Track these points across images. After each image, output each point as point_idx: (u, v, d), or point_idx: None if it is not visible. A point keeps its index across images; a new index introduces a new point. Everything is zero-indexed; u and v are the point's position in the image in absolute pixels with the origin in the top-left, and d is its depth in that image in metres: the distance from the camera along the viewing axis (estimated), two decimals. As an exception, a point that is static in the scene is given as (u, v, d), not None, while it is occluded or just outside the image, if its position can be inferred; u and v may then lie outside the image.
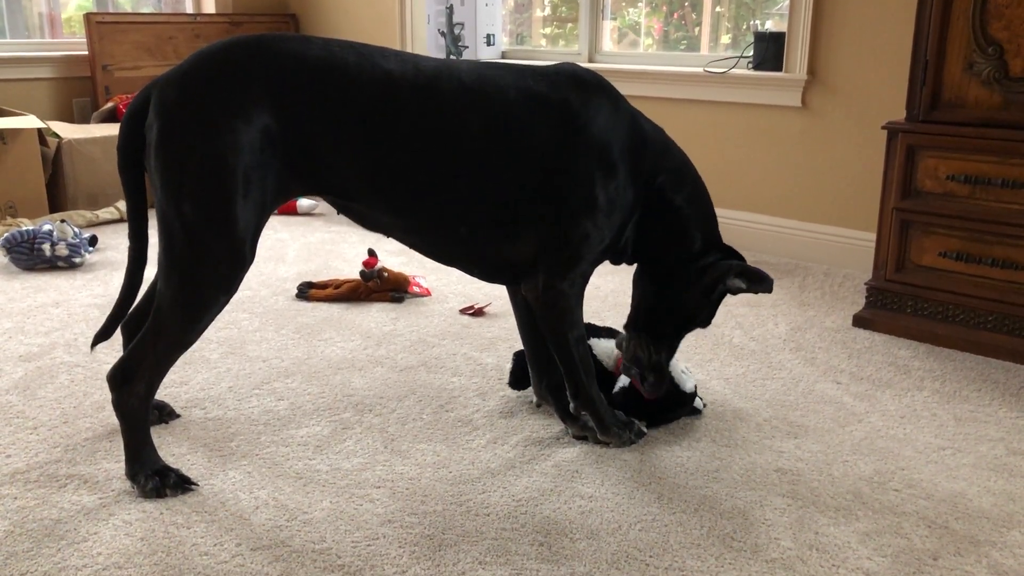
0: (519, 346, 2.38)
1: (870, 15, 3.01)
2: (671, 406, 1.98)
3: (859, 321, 2.62)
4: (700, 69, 3.44)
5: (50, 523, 1.57)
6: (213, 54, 1.61)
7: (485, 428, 1.96)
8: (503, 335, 2.51)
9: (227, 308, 2.66)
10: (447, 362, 2.33)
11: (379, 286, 2.79)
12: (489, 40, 4.05)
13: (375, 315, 2.66)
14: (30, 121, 3.60)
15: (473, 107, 1.70)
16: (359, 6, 4.56)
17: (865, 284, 2.65)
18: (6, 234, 3.09)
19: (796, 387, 2.20)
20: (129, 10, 4.97)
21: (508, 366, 2.14)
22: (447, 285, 2.96)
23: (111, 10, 4.83)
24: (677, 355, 2.05)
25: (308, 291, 2.80)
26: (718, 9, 3.69)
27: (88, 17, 4.21)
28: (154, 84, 1.62)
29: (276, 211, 3.76)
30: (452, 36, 4.07)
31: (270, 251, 3.36)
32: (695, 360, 2.35)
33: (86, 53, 4.27)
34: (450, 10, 4.05)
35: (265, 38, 1.65)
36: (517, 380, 2.11)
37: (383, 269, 2.80)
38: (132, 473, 1.68)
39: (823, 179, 3.23)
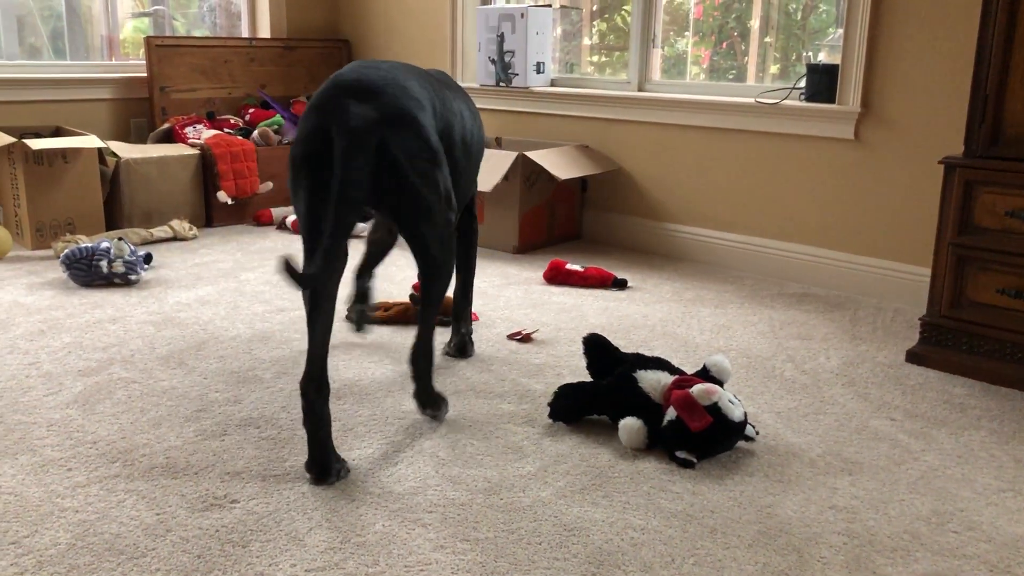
0: (567, 376, 2.39)
1: (927, 47, 2.99)
2: (720, 437, 1.96)
3: (912, 357, 2.58)
4: (750, 99, 3.44)
5: (110, 537, 1.60)
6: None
7: (534, 455, 1.96)
8: (551, 362, 2.51)
9: (279, 330, 2.71)
10: (495, 387, 2.33)
11: (428, 310, 2.81)
12: (539, 68, 4.09)
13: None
14: (90, 141, 3.70)
15: None
16: (412, 33, 4.63)
17: (919, 319, 2.61)
18: (66, 250, 3.16)
19: (849, 423, 2.17)
20: (183, 33, 5.10)
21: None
22: (495, 311, 2.98)
23: (168, 33, 4.95)
24: (725, 385, 2.05)
25: (372, 313, 2.83)
26: (767, 39, 3.69)
27: (148, 40, 4.32)
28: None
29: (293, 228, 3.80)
30: (502, 64, 4.12)
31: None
32: (745, 392, 2.33)
33: (144, 75, 4.38)
34: (501, 38, 4.10)
35: None
36: (556, 412, 2.11)
37: (432, 293, 2.82)
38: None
39: (875, 212, 3.20)
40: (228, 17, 5.11)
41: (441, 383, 2.34)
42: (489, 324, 2.84)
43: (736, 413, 1.96)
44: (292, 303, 2.99)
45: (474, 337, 2.70)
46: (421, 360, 2.09)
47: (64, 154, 3.62)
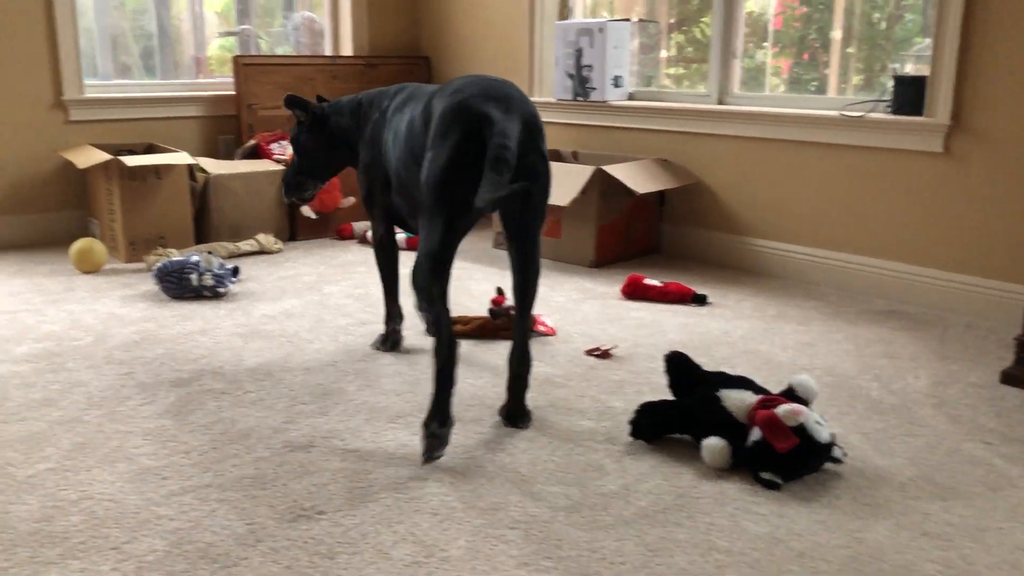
0: (647, 393, 2.38)
1: (1022, 56, 2.89)
2: (806, 458, 1.92)
3: (1008, 378, 2.49)
4: (834, 112, 3.38)
5: (204, 546, 1.65)
6: None
7: (616, 474, 1.95)
8: (630, 379, 2.50)
9: (362, 343, 2.75)
10: (575, 404, 2.33)
11: (507, 324, 2.83)
12: (617, 82, 4.09)
13: (503, 352, 2.70)
14: (182, 158, 3.83)
15: None
16: (490, 49, 4.68)
17: (1014, 339, 2.52)
18: (158, 264, 3.28)
19: (940, 446, 2.11)
20: (267, 52, 5.25)
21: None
22: (572, 325, 2.98)
23: (253, 52, 5.11)
24: (811, 405, 2.01)
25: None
26: (849, 50, 3.62)
27: (236, 60, 4.46)
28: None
29: (406, 245, 3.89)
30: (580, 78, 4.13)
31: (401, 287, 3.45)
32: (831, 413, 2.28)
33: (232, 93, 4.52)
34: (579, 53, 4.11)
35: None
36: (637, 431, 2.10)
37: (511, 307, 2.84)
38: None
39: (965, 227, 3.10)
40: (311, 35, 5.24)
41: (521, 398, 2.35)
42: (566, 339, 2.84)
43: (822, 434, 1.92)
44: (374, 316, 3.04)
45: (551, 351, 2.71)
46: (523, 367, 2.19)
47: (157, 170, 3.76)
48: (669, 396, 2.19)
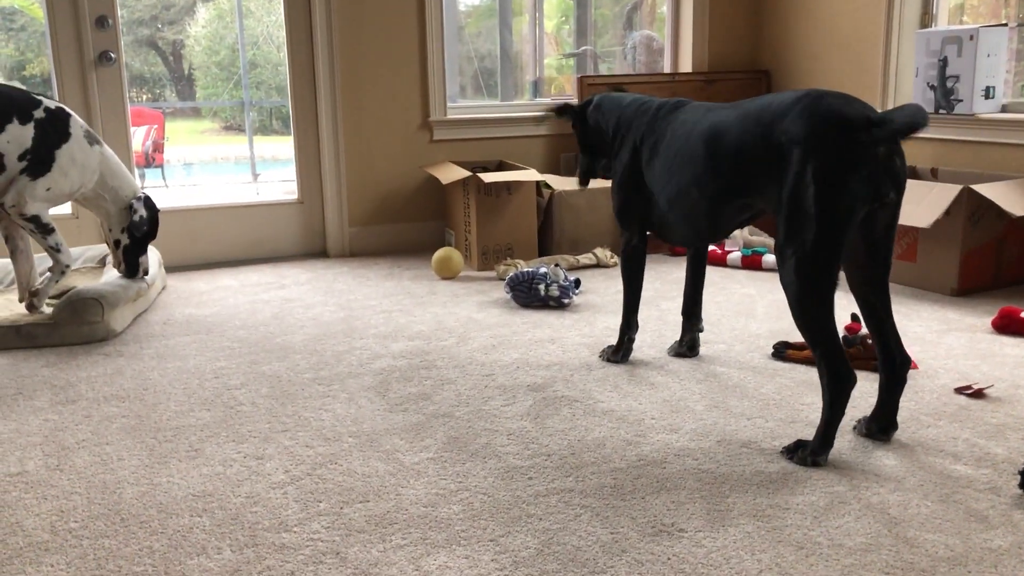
0: (1043, 440, 2.13)
1: None
2: None
3: None
4: None
5: (572, 549, 1.72)
6: None
7: (1003, 528, 1.76)
8: (1012, 423, 2.25)
9: (706, 361, 2.73)
10: (946, 446, 2.15)
11: (861, 353, 2.68)
12: (988, 93, 3.71)
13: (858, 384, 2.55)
14: (531, 175, 4.06)
15: None
16: (837, 61, 4.47)
17: None
18: (511, 274, 3.51)
19: None
20: (604, 71, 5.42)
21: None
22: (935, 359, 2.74)
23: (590, 71, 5.30)
24: None
25: (785, 351, 2.78)
26: None
27: (581, 79, 4.65)
28: None
29: (741, 264, 3.84)
30: (943, 90, 3.80)
31: (739, 306, 3.41)
32: None
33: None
34: (943, 62, 3.79)
35: None
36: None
37: (866, 336, 2.68)
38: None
39: None
40: (649, 53, 5.34)
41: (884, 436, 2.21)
42: (930, 374, 2.62)
43: None
44: (715, 335, 3.02)
45: (914, 387, 2.51)
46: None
47: (509, 186, 4.02)
48: (1068, 448, 1.94)
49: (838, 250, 1.94)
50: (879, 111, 1.96)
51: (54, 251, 3.16)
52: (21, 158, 3.02)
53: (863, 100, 2.04)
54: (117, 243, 3.35)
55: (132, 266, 3.37)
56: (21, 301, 3.29)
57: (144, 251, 3.40)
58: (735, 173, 2.16)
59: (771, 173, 2.03)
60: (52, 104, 3.12)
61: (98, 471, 2.08)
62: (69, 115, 3.15)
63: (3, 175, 3.02)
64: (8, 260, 3.65)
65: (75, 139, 3.13)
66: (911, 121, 1.86)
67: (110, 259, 3.53)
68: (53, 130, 3.08)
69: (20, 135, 3.02)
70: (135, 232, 3.32)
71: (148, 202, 3.38)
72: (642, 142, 2.55)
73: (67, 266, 3.20)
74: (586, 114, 2.82)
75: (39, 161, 3.05)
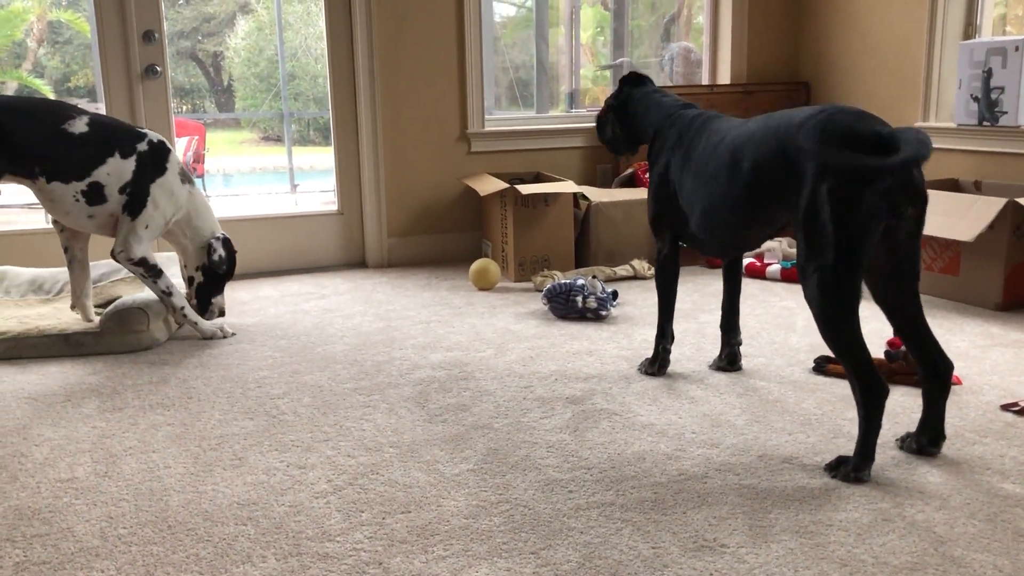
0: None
1: None
2: None
3: None
4: None
5: (613, 563, 1.72)
6: None
7: (1053, 549, 1.73)
8: (1060, 441, 2.22)
9: (745, 375, 2.72)
10: (992, 464, 2.12)
11: (903, 368, 2.65)
12: (1034, 104, 3.66)
13: (898, 399, 2.53)
14: (568, 186, 4.08)
15: None
16: (877, 72, 4.43)
17: None
18: (548, 285, 3.51)
19: None
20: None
21: (1080, 481, 1.88)
22: (980, 375, 2.71)
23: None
24: None
25: (826, 365, 2.75)
26: None
27: (618, 92, 4.65)
28: None
29: (780, 276, 3.82)
30: (988, 101, 3.76)
31: (778, 319, 3.38)
32: None
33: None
34: (988, 74, 3.74)
35: None
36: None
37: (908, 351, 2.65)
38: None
39: None
40: (687, 65, 5.33)
41: (916, 456, 2.18)
42: (975, 390, 2.59)
43: None
44: (755, 348, 3.00)
45: (958, 403, 2.48)
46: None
47: (546, 198, 4.03)
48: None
49: (859, 264, 1.95)
50: (891, 128, 1.96)
51: (166, 295, 3.18)
52: (122, 191, 3.10)
53: (890, 117, 2.05)
54: (191, 280, 3.38)
55: (203, 304, 3.35)
56: (73, 308, 3.36)
57: (220, 290, 3.38)
58: (755, 187, 2.19)
59: (788, 188, 2.06)
60: (155, 138, 3.19)
61: (145, 478, 2.12)
62: (169, 151, 3.22)
63: (105, 207, 3.09)
64: (57, 270, 3.74)
65: (170, 174, 3.18)
66: (918, 153, 1.84)
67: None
68: (152, 165, 3.15)
69: (120, 168, 3.09)
70: (215, 270, 3.32)
71: (227, 243, 3.36)
72: (673, 153, 2.57)
73: (181, 308, 3.21)
74: (622, 108, 2.89)
75: (138, 198, 3.11)
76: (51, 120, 3.01)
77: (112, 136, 3.10)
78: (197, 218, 3.30)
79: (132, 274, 3.19)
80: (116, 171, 3.08)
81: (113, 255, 3.13)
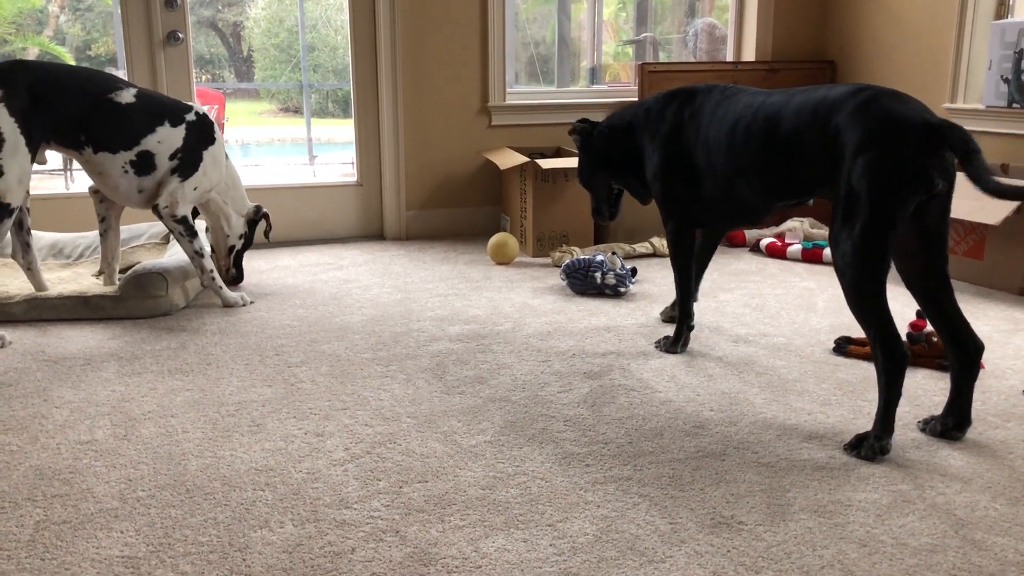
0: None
1: None
2: None
3: None
4: None
5: (631, 537, 1.72)
6: None
7: (1076, 535, 1.72)
8: (1084, 427, 2.19)
9: (764, 354, 2.70)
10: (1015, 448, 2.09)
11: (925, 351, 2.62)
12: (1066, 87, 3.60)
13: (920, 381, 2.50)
14: (589, 161, 4.03)
15: None
16: (905, 51, 4.36)
17: None
18: (567, 261, 3.50)
19: None
20: (664, 59, 5.36)
21: (1105, 467, 1.86)
22: (1003, 360, 2.68)
23: (649, 59, 5.25)
24: None
25: (847, 346, 2.73)
26: None
27: (642, 67, 4.61)
28: None
29: (801, 257, 3.79)
30: (1018, 83, 3.69)
31: (798, 299, 3.36)
32: None
33: (634, 99, 4.67)
34: (1019, 55, 3.68)
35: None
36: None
37: (931, 333, 2.63)
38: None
39: None
40: (711, 42, 5.26)
41: (939, 439, 2.16)
42: (998, 375, 2.56)
43: None
44: (774, 328, 2.98)
45: (981, 387, 2.45)
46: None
47: (566, 173, 4.00)
48: None
49: (890, 235, 1.97)
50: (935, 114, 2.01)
51: (198, 256, 3.20)
52: (172, 157, 3.12)
53: (918, 98, 2.08)
54: (231, 249, 3.44)
55: (240, 272, 3.51)
56: (100, 275, 3.38)
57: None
58: (790, 162, 2.21)
59: (825, 164, 2.09)
60: (201, 110, 3.24)
61: (164, 442, 2.13)
62: (213, 123, 3.27)
63: (152, 175, 3.11)
64: (77, 235, 3.75)
65: (218, 144, 3.26)
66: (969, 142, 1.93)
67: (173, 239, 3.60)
68: (201, 133, 3.19)
69: (171, 136, 3.12)
70: (265, 237, 3.51)
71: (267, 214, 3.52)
72: (682, 129, 2.59)
73: (210, 270, 3.24)
74: (592, 139, 2.95)
75: (189, 162, 3.15)
76: (96, 89, 3.01)
77: (160, 106, 3.13)
78: (235, 188, 3.39)
79: (170, 231, 3.20)
80: (167, 139, 3.11)
81: (156, 210, 3.15)
